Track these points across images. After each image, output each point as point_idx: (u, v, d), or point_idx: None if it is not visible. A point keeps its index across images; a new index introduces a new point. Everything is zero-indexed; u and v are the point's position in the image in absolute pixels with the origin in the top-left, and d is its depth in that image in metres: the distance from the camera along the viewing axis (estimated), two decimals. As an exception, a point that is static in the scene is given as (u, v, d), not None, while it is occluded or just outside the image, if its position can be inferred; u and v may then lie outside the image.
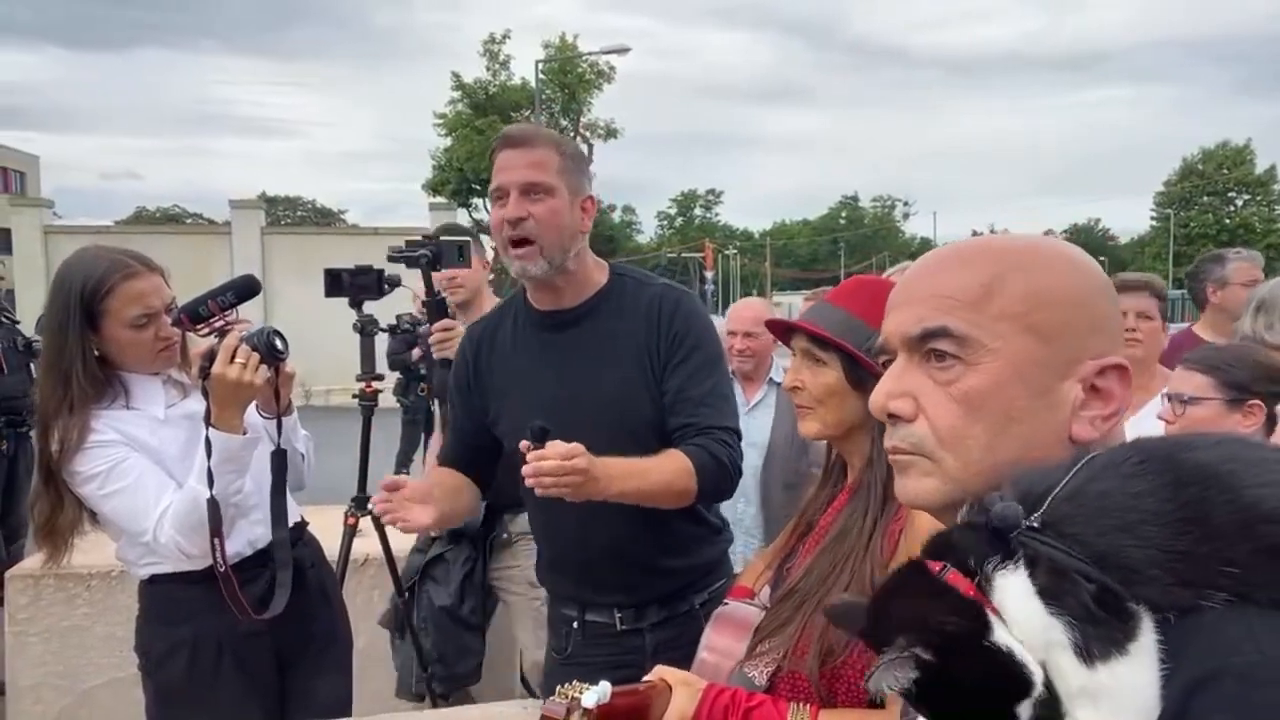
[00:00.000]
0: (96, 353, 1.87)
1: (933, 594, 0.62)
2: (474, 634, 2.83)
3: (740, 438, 1.82)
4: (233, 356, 1.78)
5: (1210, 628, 0.57)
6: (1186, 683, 0.56)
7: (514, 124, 2.02)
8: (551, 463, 1.48)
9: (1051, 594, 0.59)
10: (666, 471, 1.68)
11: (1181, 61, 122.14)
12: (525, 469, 1.51)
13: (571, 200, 1.79)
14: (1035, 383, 0.73)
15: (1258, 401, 1.83)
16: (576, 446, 1.51)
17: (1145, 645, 0.58)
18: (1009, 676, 0.60)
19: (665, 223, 71.90)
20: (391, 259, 2.44)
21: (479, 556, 2.87)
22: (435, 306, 2.45)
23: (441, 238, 2.46)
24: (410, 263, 2.39)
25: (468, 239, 2.48)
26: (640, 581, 1.85)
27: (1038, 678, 0.59)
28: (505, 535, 2.90)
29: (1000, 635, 0.60)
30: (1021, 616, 0.60)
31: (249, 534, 1.97)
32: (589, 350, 1.82)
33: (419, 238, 2.46)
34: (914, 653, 0.60)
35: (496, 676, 2.95)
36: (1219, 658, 0.56)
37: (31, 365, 4.61)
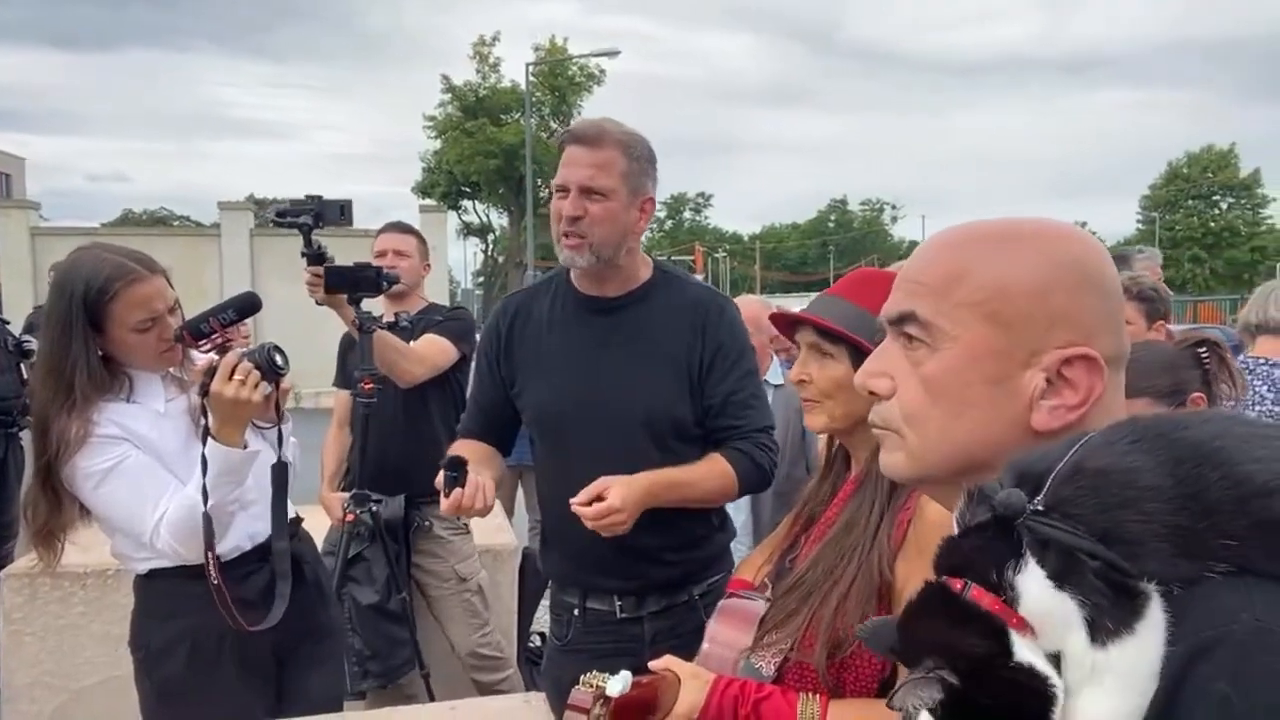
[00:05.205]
0: (100, 352, 1.87)
1: (956, 617, 0.62)
2: (401, 625, 2.89)
3: (774, 431, 1.91)
4: (231, 374, 1.79)
5: (1209, 597, 0.59)
6: (1185, 652, 0.58)
7: (585, 119, 2.08)
8: (591, 513, 1.65)
9: (1063, 576, 0.60)
10: (709, 483, 1.81)
11: (1174, 65, 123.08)
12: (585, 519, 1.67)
13: (629, 202, 1.83)
14: (992, 371, 0.74)
15: (1198, 394, 1.79)
16: (605, 491, 1.66)
17: (1153, 622, 0.59)
18: (1033, 697, 0.59)
19: (655, 225, 71.92)
20: (276, 222, 2.52)
21: (401, 549, 2.93)
22: (315, 258, 2.49)
23: (323, 198, 2.54)
24: (295, 223, 2.46)
25: (349, 199, 2.56)
26: (642, 571, 1.89)
27: (1059, 691, 0.59)
28: (428, 524, 2.97)
29: (1022, 654, 0.60)
30: (1040, 609, 0.60)
31: (249, 528, 1.98)
32: (625, 340, 1.87)
33: (303, 197, 2.53)
34: (939, 675, 0.60)
35: (435, 669, 2.98)
36: (1217, 626, 0.57)
37: (22, 366, 4.59)
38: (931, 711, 0.61)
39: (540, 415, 1.96)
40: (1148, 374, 1.74)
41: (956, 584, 0.63)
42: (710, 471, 1.81)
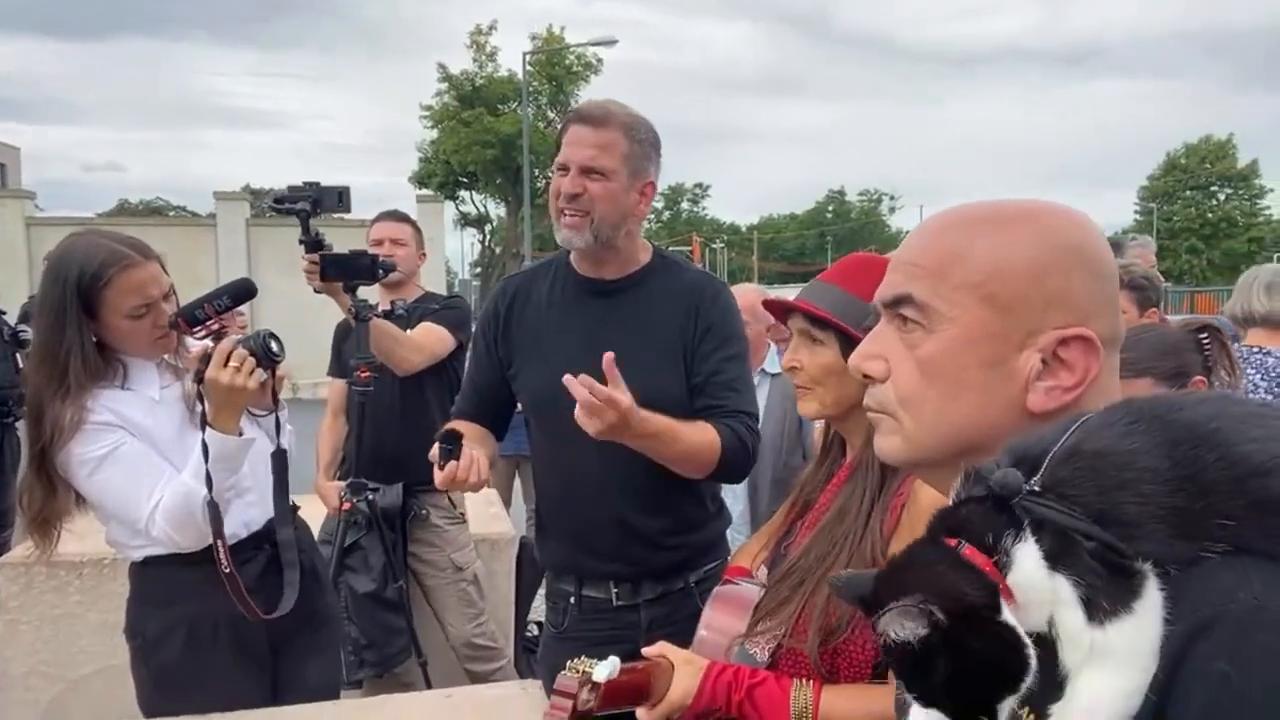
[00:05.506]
0: (95, 339, 1.87)
1: (952, 565, 0.62)
2: (398, 614, 2.89)
3: (759, 422, 1.88)
4: (227, 360, 1.79)
5: (1206, 577, 0.59)
6: (1184, 631, 0.58)
7: (591, 100, 2.09)
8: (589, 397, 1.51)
9: (1058, 556, 0.60)
10: (695, 441, 1.75)
11: (1172, 56, 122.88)
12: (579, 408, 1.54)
13: (630, 184, 1.84)
14: (988, 353, 0.74)
15: (1199, 378, 1.79)
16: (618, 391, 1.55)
17: (1150, 603, 0.59)
18: (1015, 656, 0.60)
19: (652, 216, 71.65)
20: (274, 208, 2.52)
21: (398, 538, 2.92)
22: (312, 244, 2.50)
23: (321, 184, 2.54)
24: (293, 209, 2.46)
25: (347, 186, 2.55)
26: (640, 555, 1.88)
27: (1032, 664, 0.60)
28: (424, 513, 2.97)
29: (1008, 615, 0.60)
30: (1027, 584, 0.60)
31: (243, 515, 1.98)
32: (623, 321, 1.87)
33: (300, 183, 2.54)
34: (929, 609, 0.60)
35: (432, 658, 2.99)
36: (1215, 605, 0.57)
37: (18, 355, 4.57)
38: (903, 650, 0.60)
39: (537, 398, 1.94)
40: (1151, 356, 1.75)
41: (951, 541, 0.63)
42: (697, 432, 1.77)
